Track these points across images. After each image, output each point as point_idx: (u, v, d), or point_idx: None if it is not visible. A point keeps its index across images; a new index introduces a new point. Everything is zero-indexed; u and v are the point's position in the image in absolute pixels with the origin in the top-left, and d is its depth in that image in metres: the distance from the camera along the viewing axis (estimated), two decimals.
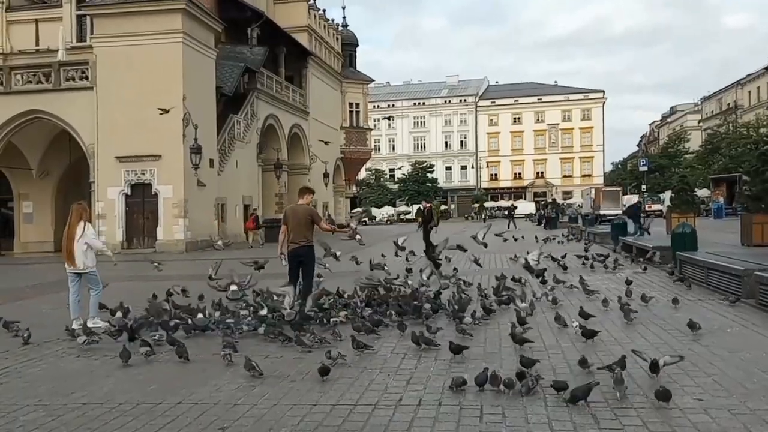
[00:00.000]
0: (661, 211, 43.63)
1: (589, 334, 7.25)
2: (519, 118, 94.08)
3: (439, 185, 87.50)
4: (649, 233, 23.46)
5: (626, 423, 4.57)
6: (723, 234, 22.38)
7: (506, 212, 52.78)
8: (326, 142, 43.03)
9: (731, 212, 42.78)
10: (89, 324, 8.93)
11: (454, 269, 13.14)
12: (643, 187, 44.32)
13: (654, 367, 5.68)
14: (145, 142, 27.79)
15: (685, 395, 5.19)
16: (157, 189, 28.36)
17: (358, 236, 11.13)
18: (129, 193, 28.85)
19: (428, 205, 25.11)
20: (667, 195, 52.39)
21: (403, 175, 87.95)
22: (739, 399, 5.06)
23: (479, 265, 13.82)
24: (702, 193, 61.04)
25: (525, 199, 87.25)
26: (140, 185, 28.70)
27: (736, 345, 7.01)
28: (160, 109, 25.98)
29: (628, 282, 11.05)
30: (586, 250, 17.36)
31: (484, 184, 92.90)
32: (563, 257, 14.88)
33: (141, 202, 28.73)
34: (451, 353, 6.55)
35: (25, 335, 8.30)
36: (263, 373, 6.11)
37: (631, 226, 24.01)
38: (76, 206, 9.50)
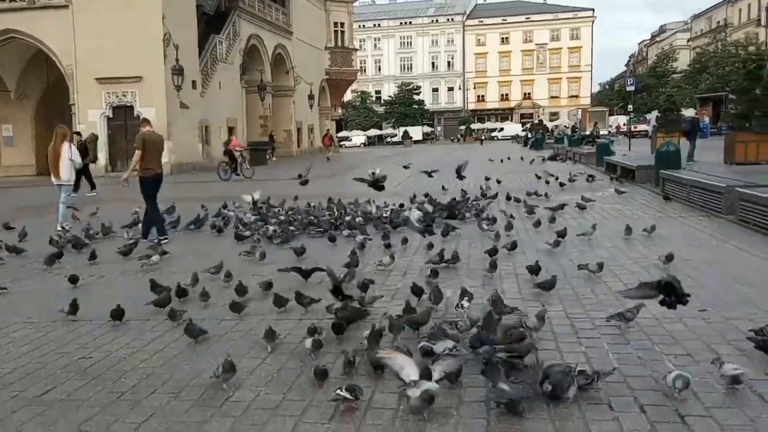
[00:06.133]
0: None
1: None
2: (507, 38, 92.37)
3: (425, 107, 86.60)
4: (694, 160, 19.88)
5: (631, 337, 4.66)
6: (707, 153, 22.40)
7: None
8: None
9: (716, 132, 42.86)
10: (59, 227, 10.54)
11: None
12: (630, 107, 44.03)
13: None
14: (125, 63, 27.18)
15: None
16: (140, 111, 27.87)
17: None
18: (111, 116, 28.45)
19: (77, 135, 18.88)
20: (653, 115, 52.36)
21: (390, 96, 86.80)
22: (715, 309, 5.20)
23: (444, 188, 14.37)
24: (688, 112, 60.93)
25: (512, 120, 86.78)
26: (122, 107, 28.27)
27: (715, 258, 7.19)
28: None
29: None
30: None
31: (471, 106, 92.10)
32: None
33: (123, 125, 28.33)
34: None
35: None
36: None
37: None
38: (60, 129, 11.30)
